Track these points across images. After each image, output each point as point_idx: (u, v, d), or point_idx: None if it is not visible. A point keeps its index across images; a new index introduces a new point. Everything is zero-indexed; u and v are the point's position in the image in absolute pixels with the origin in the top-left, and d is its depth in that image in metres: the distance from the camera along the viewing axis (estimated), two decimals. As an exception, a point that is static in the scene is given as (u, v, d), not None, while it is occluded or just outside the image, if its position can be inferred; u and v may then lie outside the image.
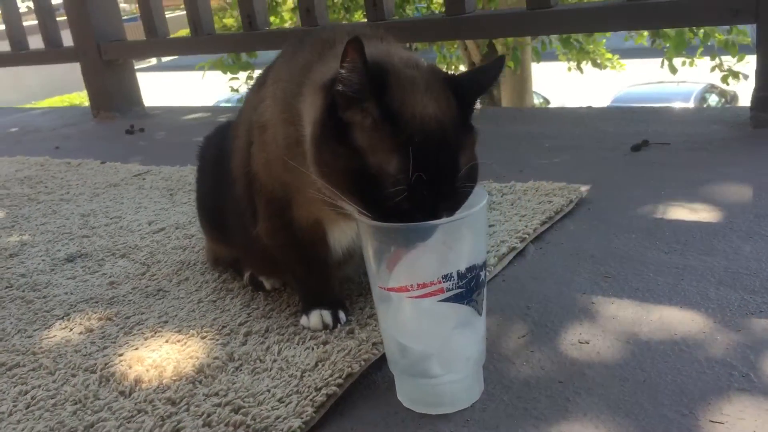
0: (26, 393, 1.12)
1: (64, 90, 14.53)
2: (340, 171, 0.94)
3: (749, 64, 7.11)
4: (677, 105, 8.42)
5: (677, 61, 8.65)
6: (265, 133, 1.12)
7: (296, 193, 1.13)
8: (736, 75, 7.86)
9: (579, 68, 8.95)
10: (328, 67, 0.99)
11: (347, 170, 0.93)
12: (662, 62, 7.94)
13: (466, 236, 0.95)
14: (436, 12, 8.33)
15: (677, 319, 1.14)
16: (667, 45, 7.62)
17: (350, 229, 1.19)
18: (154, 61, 21.93)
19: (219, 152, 1.34)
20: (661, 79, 11.04)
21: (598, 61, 8.94)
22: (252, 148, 1.17)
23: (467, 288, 0.94)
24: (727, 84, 8.20)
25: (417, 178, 0.89)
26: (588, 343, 1.11)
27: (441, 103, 0.94)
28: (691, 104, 10.39)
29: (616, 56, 9.99)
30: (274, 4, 8.72)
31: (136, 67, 3.56)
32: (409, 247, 0.93)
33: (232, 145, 1.27)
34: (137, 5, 3.23)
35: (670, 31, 7.35)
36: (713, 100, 11.42)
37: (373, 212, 0.92)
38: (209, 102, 9.39)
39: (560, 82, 11.51)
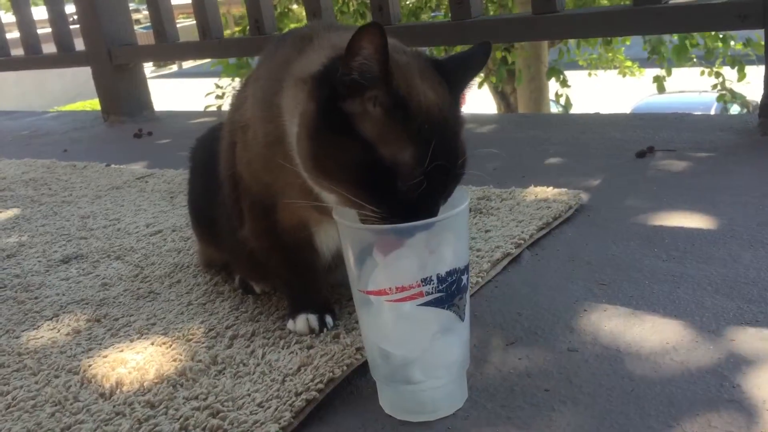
0: (7, 394, 1.11)
1: (87, 95, 14.63)
2: (343, 165, 0.89)
3: (750, 84, 7.00)
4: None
5: (697, 70, 8.59)
6: (247, 133, 1.11)
7: (279, 194, 1.11)
8: (733, 94, 7.79)
9: (557, 97, 8.71)
10: (309, 60, 0.97)
11: (354, 163, 0.88)
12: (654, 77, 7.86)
13: (449, 238, 0.93)
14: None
15: (670, 328, 1.11)
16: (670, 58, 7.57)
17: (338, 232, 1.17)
18: (175, 67, 22.39)
19: (209, 154, 1.33)
20: (682, 89, 10.91)
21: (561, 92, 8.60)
22: (236, 149, 1.16)
23: (447, 292, 0.92)
24: (725, 102, 8.10)
25: (435, 167, 0.86)
26: (577, 351, 1.08)
27: (437, 89, 0.92)
28: (712, 114, 10.25)
29: (635, 64, 9.92)
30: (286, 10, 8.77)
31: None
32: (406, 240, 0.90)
33: (219, 146, 1.26)
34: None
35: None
36: (735, 110, 11.27)
37: (379, 205, 0.89)
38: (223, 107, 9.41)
39: (581, 91, 11.41)
